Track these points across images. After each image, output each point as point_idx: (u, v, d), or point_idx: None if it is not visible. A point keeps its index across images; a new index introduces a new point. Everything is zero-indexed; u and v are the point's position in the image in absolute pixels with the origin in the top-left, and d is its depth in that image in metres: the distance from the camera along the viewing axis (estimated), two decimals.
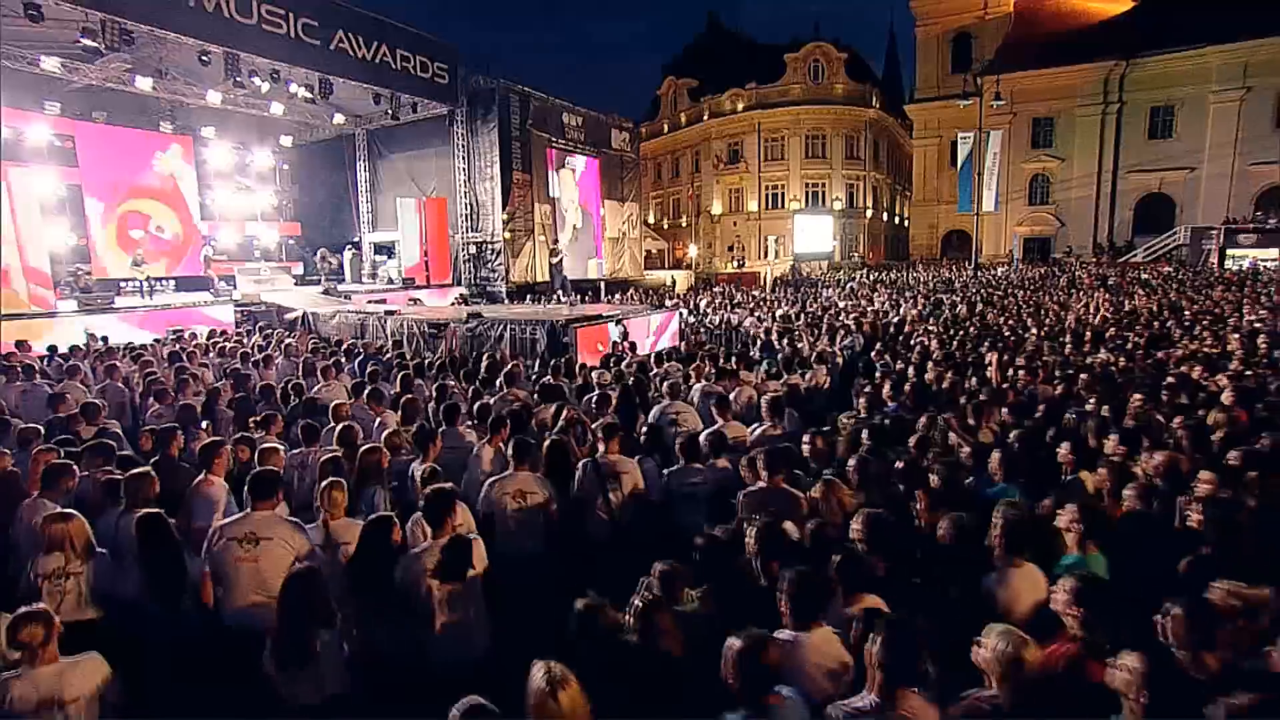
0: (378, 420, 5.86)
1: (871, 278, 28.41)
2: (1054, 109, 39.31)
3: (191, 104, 19.80)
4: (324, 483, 3.63)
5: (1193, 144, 35.80)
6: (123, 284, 16.82)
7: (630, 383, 6.44)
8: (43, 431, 5.16)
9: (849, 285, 24.45)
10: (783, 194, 46.55)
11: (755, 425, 5.42)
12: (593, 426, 4.87)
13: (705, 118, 48.54)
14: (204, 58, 15.21)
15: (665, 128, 52.68)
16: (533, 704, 1.98)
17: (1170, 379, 6.33)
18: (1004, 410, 5.27)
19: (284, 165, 24.95)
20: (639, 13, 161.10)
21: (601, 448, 4.33)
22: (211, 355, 10.03)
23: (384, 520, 3.31)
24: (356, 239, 24.56)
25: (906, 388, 6.06)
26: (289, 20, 16.09)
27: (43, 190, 15.68)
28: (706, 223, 49.58)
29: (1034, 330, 11.23)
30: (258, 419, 5.62)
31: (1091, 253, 37.46)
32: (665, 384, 6.23)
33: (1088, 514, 3.10)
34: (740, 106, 46.62)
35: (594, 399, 5.81)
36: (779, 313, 14.50)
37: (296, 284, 20.49)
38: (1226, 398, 5.58)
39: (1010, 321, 12.61)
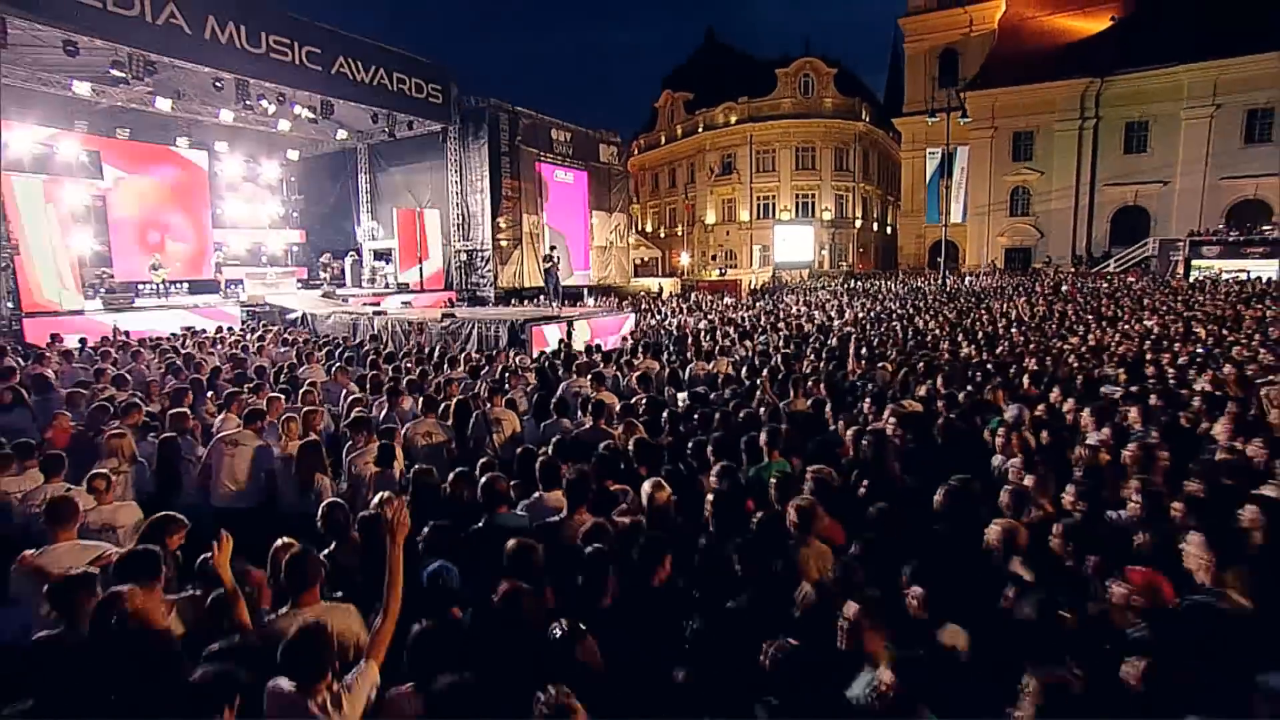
0: (344, 390, 7.47)
1: (846, 286, 29.85)
2: (1034, 123, 40.63)
3: (206, 121, 21.55)
4: (284, 416, 5.26)
5: (1166, 158, 37.05)
6: (141, 286, 18.54)
7: (545, 365, 8.03)
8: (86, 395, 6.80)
9: (817, 292, 25.94)
10: (774, 204, 48.10)
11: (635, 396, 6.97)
12: (484, 393, 6.46)
13: (700, 130, 50.25)
14: (217, 83, 16.98)
15: (662, 139, 54.49)
16: None
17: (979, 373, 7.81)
18: (821, 386, 6.76)
19: (290, 177, 26.75)
20: (642, 26, 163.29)
21: (488, 405, 5.91)
22: (219, 346, 11.69)
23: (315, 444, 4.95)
24: (357, 246, 26.29)
25: (764, 372, 7.56)
26: (294, 49, 17.81)
27: (72, 200, 17.48)
28: (700, 231, 51.20)
29: (939, 332, 12.71)
30: (251, 386, 7.24)
31: (1070, 262, 38.75)
32: (575, 366, 7.80)
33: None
34: (733, 119, 48.29)
35: (503, 372, 7.41)
36: (721, 315, 16.01)
37: (301, 288, 22.24)
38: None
39: (930, 324, 14.09)
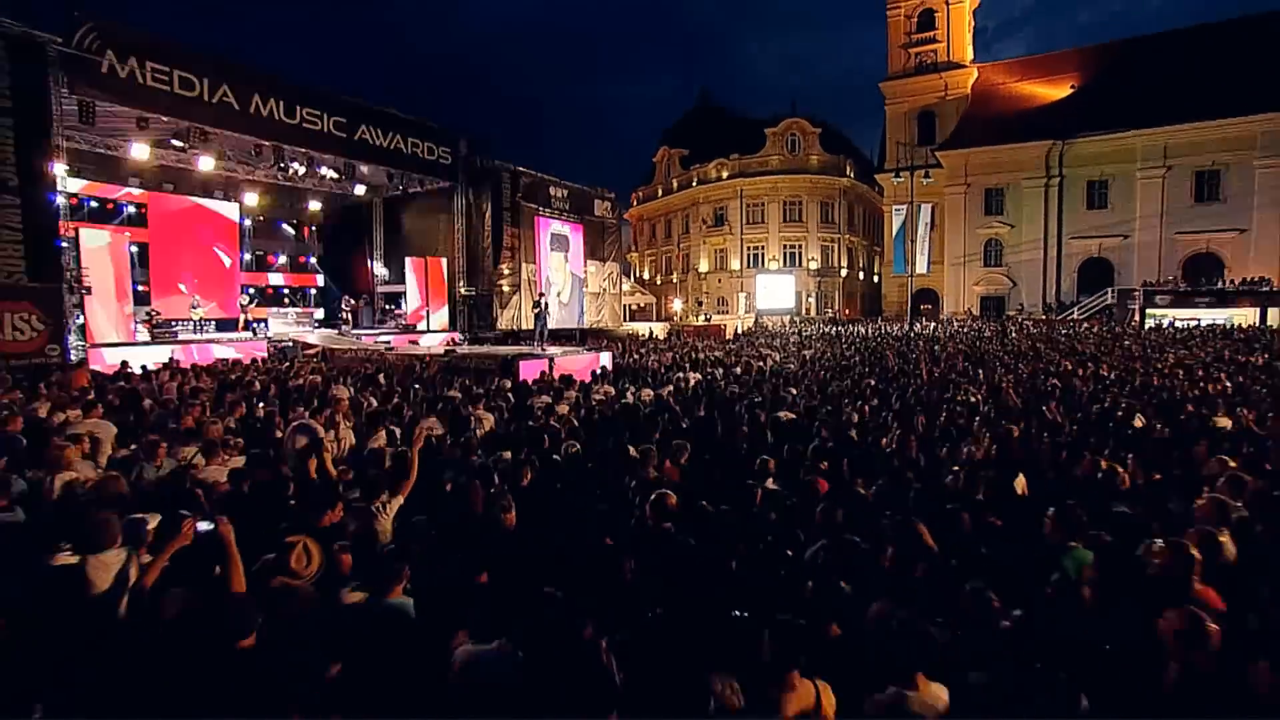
0: (364, 403, 9.69)
1: (820, 331, 32.16)
2: (1004, 180, 43.50)
3: (239, 176, 24.23)
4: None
5: (1125, 214, 39.74)
6: (180, 322, 20.91)
7: (523, 387, 10.32)
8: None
9: (790, 336, 28.25)
10: (763, 254, 50.84)
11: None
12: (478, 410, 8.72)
13: (694, 184, 53.39)
14: (257, 149, 19.63)
15: (659, 192, 57.68)
16: None
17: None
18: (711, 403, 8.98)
19: (312, 226, 29.41)
20: (643, 83, 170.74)
21: (474, 410, 8.15)
22: (259, 374, 13.95)
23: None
24: (370, 290, 28.77)
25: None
26: (323, 119, 20.48)
27: (125, 248, 19.97)
28: (694, 279, 53.89)
29: (862, 368, 14.95)
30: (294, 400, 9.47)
31: (1041, 310, 41.10)
32: (537, 386, 10.05)
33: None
34: (725, 175, 51.40)
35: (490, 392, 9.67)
36: (686, 356, 18.25)
37: (318, 326, 24.64)
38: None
39: (855, 360, 16.37)
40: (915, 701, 2.40)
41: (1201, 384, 10.81)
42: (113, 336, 16.58)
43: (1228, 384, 10.98)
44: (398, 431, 7.45)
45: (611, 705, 2.51)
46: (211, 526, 3.25)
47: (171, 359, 15.16)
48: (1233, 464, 5.52)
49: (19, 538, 3.63)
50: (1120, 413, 8.22)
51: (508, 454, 6.17)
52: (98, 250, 16.79)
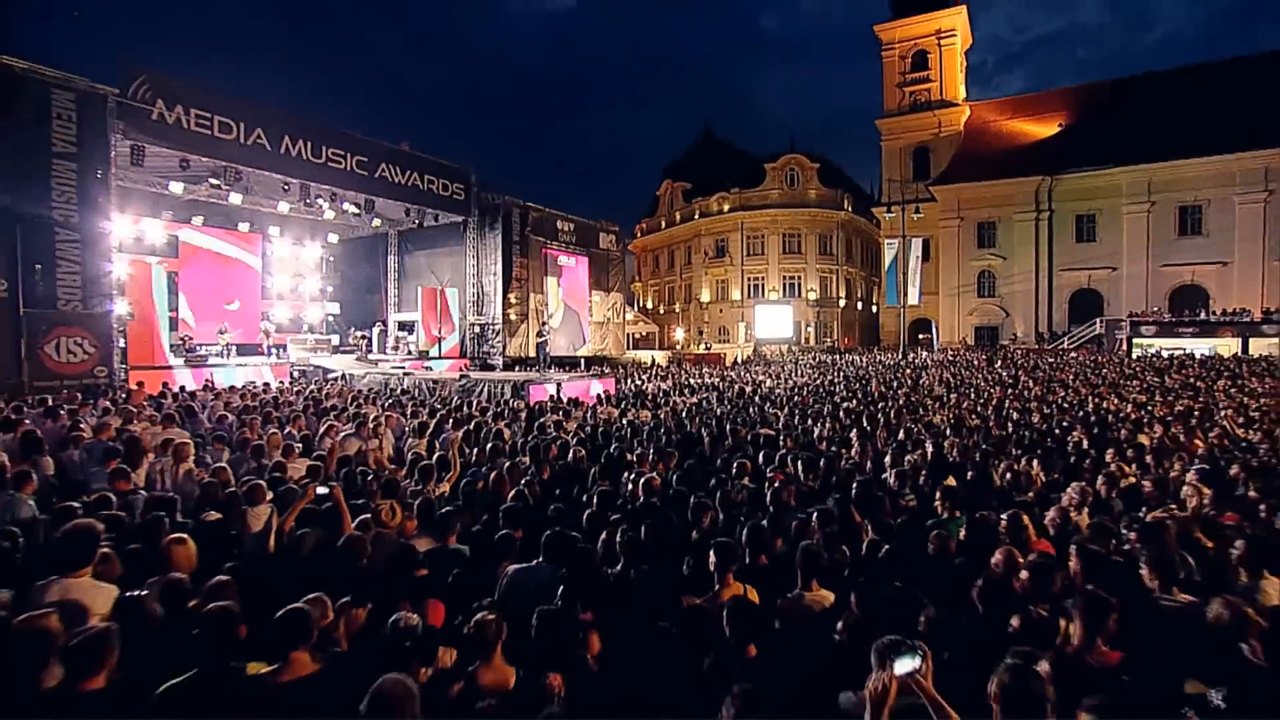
0: (396, 419, 10.90)
1: (814, 359, 33.37)
2: (995, 214, 44.98)
3: (264, 210, 25.71)
4: (374, 422, 8.72)
5: (1113, 247, 41.08)
6: (207, 346, 22.22)
7: (534, 408, 11.52)
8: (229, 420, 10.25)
9: (786, 364, 29.46)
10: (763, 285, 52.28)
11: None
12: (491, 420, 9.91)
13: (697, 216, 55.08)
14: (285, 186, 21.11)
15: (663, 224, 59.41)
16: None
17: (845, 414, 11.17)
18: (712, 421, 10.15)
19: (330, 257, 30.90)
20: (649, 116, 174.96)
21: (497, 424, 9.35)
22: (290, 396, 15.19)
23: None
24: (384, 318, 30.15)
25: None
26: (347, 159, 22.01)
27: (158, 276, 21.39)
28: (696, 309, 55.31)
29: (843, 389, 16.12)
30: (330, 416, 10.67)
31: (1034, 340, 42.29)
32: (549, 408, 11.25)
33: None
34: (726, 208, 53.07)
35: (506, 411, 10.86)
36: (683, 382, 19.46)
37: (334, 352, 25.95)
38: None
39: (839, 384, 17.54)
40: (809, 599, 3.56)
41: (1146, 406, 11.95)
42: (150, 360, 17.85)
43: (1173, 405, 12.13)
44: (436, 442, 8.63)
45: (614, 601, 3.68)
46: (328, 490, 4.47)
47: (208, 381, 16.42)
48: (1127, 469, 6.69)
49: (169, 505, 4.80)
50: (1058, 430, 9.37)
51: (526, 459, 7.35)
52: (136, 279, 18.15)
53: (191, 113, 17.50)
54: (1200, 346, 32.47)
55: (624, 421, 10.47)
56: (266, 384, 17.21)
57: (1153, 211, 39.54)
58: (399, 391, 16.61)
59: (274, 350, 24.08)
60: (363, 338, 27.62)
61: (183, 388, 15.33)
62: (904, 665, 2.26)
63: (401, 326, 29.46)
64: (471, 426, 9.39)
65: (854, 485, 6.04)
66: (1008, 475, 6.46)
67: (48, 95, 14.40)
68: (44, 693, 2.52)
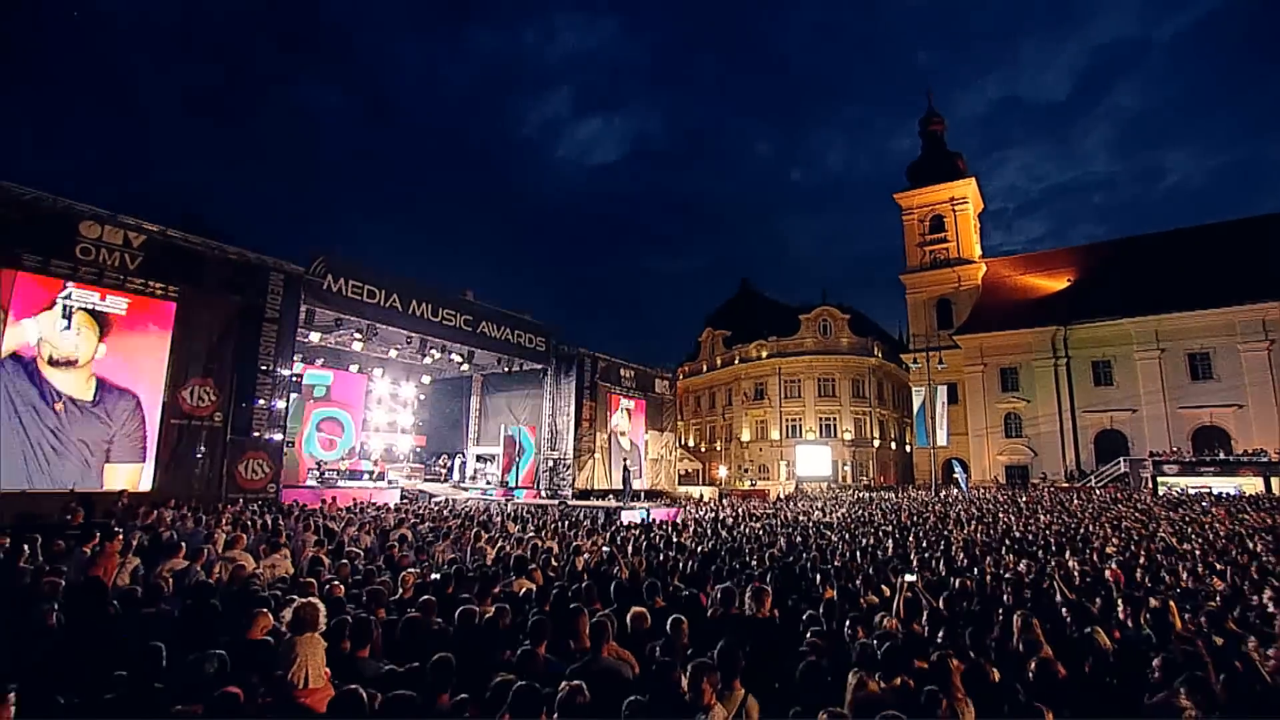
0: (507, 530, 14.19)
1: (855, 496, 35.90)
2: (1016, 360, 48.35)
3: (374, 355, 30.22)
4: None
5: (1130, 390, 43.80)
6: (331, 472, 25.91)
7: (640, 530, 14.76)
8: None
9: (827, 499, 32.16)
10: (800, 425, 55.43)
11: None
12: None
13: (736, 361, 59.41)
14: (408, 339, 25.59)
15: (704, 368, 63.90)
16: None
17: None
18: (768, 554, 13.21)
19: (421, 396, 35.21)
20: (685, 265, 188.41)
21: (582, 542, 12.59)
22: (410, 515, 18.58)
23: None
24: (463, 449, 33.82)
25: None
26: (456, 318, 26.60)
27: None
28: (737, 447, 58.32)
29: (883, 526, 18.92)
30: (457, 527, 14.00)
31: (1064, 478, 44.18)
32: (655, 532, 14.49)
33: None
34: (764, 354, 57.39)
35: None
36: (738, 513, 22.42)
37: (426, 480, 29.50)
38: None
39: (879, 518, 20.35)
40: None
41: (1136, 540, 14.69)
42: (296, 480, 21.54)
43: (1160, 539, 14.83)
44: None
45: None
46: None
47: (356, 500, 19.98)
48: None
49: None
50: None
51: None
52: (297, 413, 22.23)
53: (350, 282, 22.28)
54: (1224, 486, 34.32)
55: (730, 535, 13.32)
56: (385, 504, 20.65)
57: (1163, 358, 42.57)
58: (507, 515, 19.88)
59: (384, 475, 27.70)
60: (444, 467, 31.18)
61: (323, 502, 18.82)
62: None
63: (479, 459, 33.07)
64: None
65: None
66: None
67: (267, 276, 19.21)
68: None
